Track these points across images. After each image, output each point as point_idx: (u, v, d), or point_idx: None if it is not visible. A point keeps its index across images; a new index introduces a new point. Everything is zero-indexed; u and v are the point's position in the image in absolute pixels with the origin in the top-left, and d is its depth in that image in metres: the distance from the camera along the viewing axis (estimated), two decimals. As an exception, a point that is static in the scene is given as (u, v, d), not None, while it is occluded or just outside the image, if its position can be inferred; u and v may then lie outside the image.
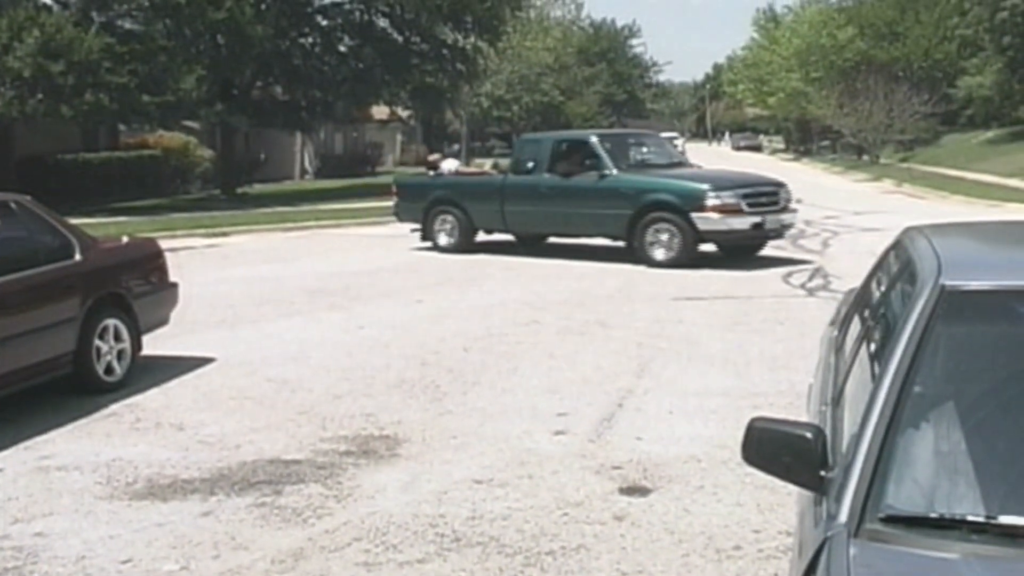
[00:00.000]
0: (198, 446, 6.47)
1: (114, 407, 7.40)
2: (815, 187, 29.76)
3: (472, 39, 36.76)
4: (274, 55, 32.38)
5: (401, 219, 17.85)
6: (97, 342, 7.76)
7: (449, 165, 20.78)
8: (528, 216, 15.81)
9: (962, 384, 2.69)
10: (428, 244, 16.93)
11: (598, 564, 4.57)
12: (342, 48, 36.38)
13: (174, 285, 8.99)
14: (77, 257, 7.85)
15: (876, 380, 2.62)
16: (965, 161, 40.70)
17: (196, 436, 6.69)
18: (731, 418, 6.54)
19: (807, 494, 2.68)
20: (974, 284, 2.85)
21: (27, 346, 7.08)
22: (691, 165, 16.95)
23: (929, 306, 2.72)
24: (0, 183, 16.93)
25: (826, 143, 64.02)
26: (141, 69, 26.11)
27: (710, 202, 13.93)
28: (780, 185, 15.18)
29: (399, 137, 60.06)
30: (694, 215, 13.93)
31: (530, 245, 16.50)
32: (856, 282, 4.96)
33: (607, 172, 14.84)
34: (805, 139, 70.44)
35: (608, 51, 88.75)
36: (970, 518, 2.25)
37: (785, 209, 14.79)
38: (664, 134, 63.70)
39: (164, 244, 9.99)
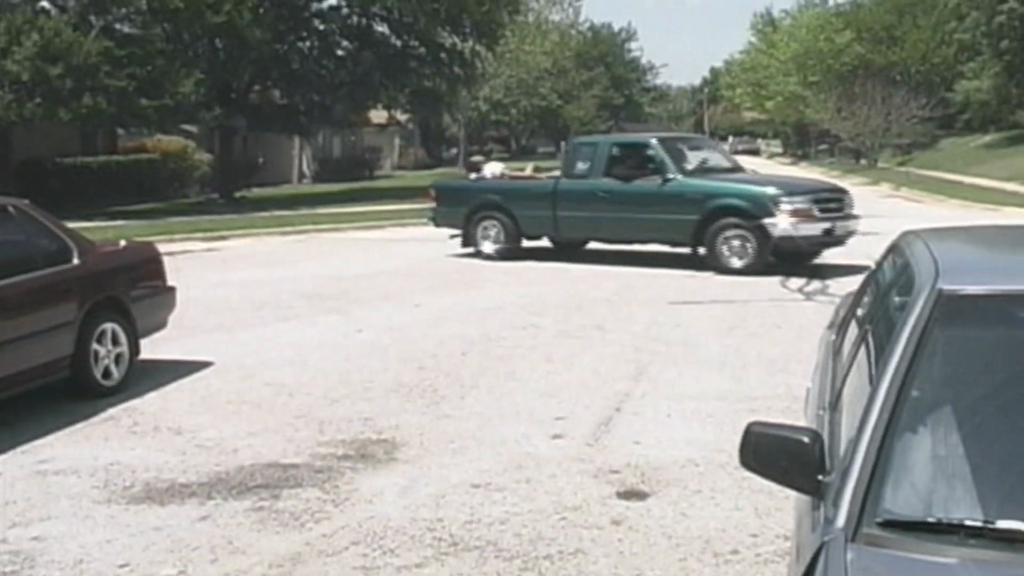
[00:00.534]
0: (196, 450, 6.46)
1: (112, 411, 7.40)
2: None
3: (470, 43, 36.79)
4: (272, 59, 32.40)
5: (438, 224, 17.05)
6: (95, 346, 7.75)
7: (493, 169, 19.68)
8: (583, 222, 15.22)
9: (959, 388, 2.69)
10: (431, 246, 16.91)
11: (595, 568, 4.57)
12: (340, 52, 36.42)
13: (172, 289, 8.98)
14: (75, 261, 7.84)
15: (874, 384, 2.62)
16: (963, 165, 40.78)
17: (194, 440, 6.68)
18: (728, 422, 6.54)
19: (805, 498, 2.68)
20: (971, 288, 2.85)
21: (25, 350, 7.07)
22: (746, 170, 16.63)
23: (926, 310, 2.73)
24: (-2, 187, 16.92)
25: (824, 147, 64.14)
26: (139, 73, 26.13)
27: (784, 207, 13.57)
28: (844, 191, 15.00)
29: (397, 141, 60.11)
30: (767, 221, 13.54)
31: (569, 251, 15.99)
32: (854, 286, 4.96)
33: (670, 176, 14.39)
34: (803, 143, 70.57)
35: (606, 55, 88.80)
36: (967, 522, 2.24)
37: (849, 215, 14.38)
38: (662, 138, 63.60)
39: (162, 248, 10.00)
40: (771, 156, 76.19)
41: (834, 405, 3.30)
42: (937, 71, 56.05)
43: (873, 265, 4.40)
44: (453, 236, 16.57)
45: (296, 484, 5.77)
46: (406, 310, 11.58)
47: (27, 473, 6.07)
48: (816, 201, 13.94)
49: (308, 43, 35.78)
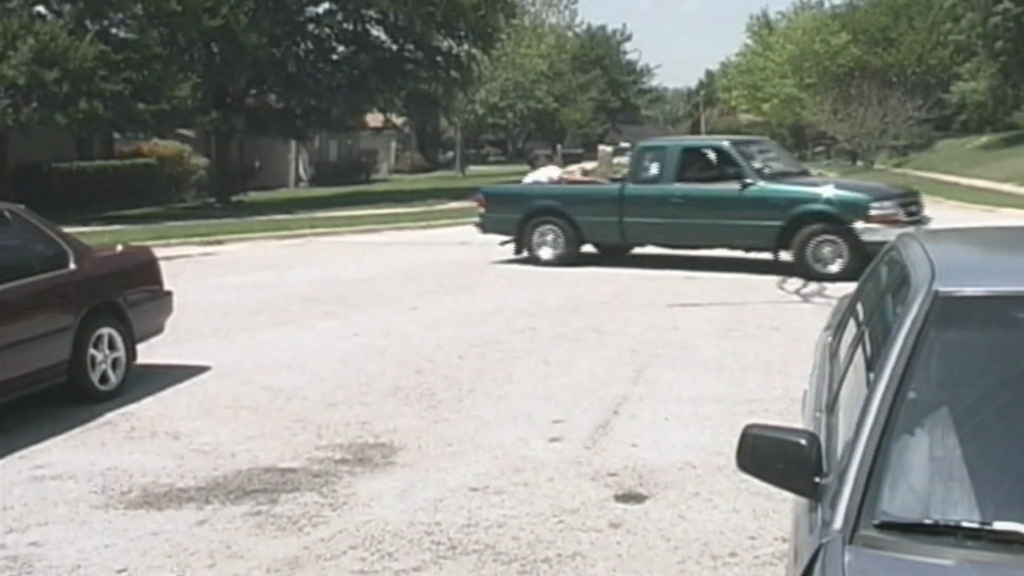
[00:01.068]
0: (193, 455, 6.46)
1: (109, 416, 7.39)
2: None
3: (466, 46, 36.81)
4: (268, 63, 32.40)
5: (486, 231, 16.43)
6: (92, 351, 7.74)
7: (550, 172, 18.51)
8: (653, 227, 14.72)
9: (956, 390, 2.70)
10: (428, 250, 16.91)
11: (594, 571, 4.57)
12: (336, 56, 36.43)
13: (169, 293, 8.98)
14: (71, 266, 7.84)
15: (870, 386, 2.62)
16: (959, 166, 40.81)
17: (191, 445, 6.67)
18: (726, 424, 6.54)
19: (802, 500, 2.69)
20: (968, 290, 2.86)
21: (21, 355, 7.06)
22: (812, 173, 16.28)
23: (923, 312, 2.73)
24: (-6, 192, 16.91)
25: (820, 149, 64.14)
26: (136, 77, 26.12)
27: (874, 212, 13.30)
28: (918, 194, 14.92)
29: (393, 144, 60.18)
30: (858, 226, 13.22)
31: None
32: (850, 288, 4.97)
33: (749, 181, 14.03)
34: (799, 145, 70.53)
35: (603, 57, 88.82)
36: (965, 524, 2.25)
37: (924, 218, 14.14)
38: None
39: (159, 252, 9.99)
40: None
41: (831, 407, 3.30)
42: (933, 72, 56.13)
43: (870, 267, 4.40)
44: (504, 243, 16.06)
45: (294, 488, 5.77)
46: (403, 314, 11.58)
47: (24, 478, 6.06)
48: (902, 205, 13.83)
49: (304, 47, 35.79)
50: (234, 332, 10.62)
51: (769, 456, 2.57)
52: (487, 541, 4.92)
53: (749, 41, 73.64)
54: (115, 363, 8.00)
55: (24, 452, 6.55)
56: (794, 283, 13.05)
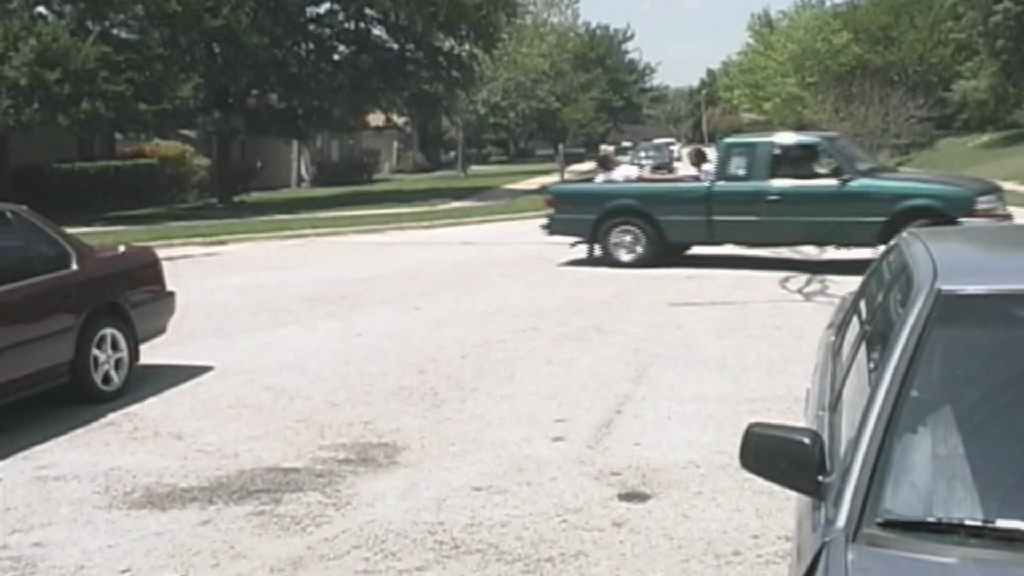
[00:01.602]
0: (196, 455, 6.47)
1: (112, 416, 7.40)
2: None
3: (468, 46, 36.79)
4: (270, 63, 32.39)
5: (553, 232, 15.76)
6: (94, 351, 7.75)
7: (627, 171, 17.73)
8: (746, 226, 14.26)
9: (959, 388, 2.70)
10: (430, 250, 16.90)
11: (597, 570, 4.57)
12: (337, 56, 36.42)
13: (171, 294, 8.99)
14: (74, 267, 7.85)
15: (873, 385, 2.62)
16: (961, 165, 40.73)
17: (194, 445, 6.68)
18: (729, 423, 6.54)
19: (805, 499, 2.69)
20: (970, 288, 2.85)
21: (24, 356, 7.07)
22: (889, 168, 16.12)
23: (925, 310, 2.73)
24: (-3, 193, 16.93)
25: (822, 148, 64.06)
26: (137, 78, 26.13)
27: (980, 206, 13.13)
28: (1001, 188, 14.91)
29: (395, 144, 60.16)
30: (964, 220, 12.81)
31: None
32: (853, 287, 4.97)
33: (847, 176, 13.71)
34: (801, 144, 70.50)
35: (604, 57, 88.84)
36: (968, 522, 2.25)
37: (1008, 213, 13.98)
38: (660, 140, 63.46)
39: (161, 253, 10.01)
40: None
41: (834, 406, 3.30)
42: (934, 71, 56.06)
43: (872, 265, 4.41)
44: (575, 244, 15.64)
45: (297, 488, 5.77)
46: (406, 313, 11.58)
47: (28, 479, 6.07)
48: (1000, 200, 13.78)
49: (305, 47, 35.77)
50: (236, 332, 10.63)
51: (772, 455, 2.57)
52: (490, 540, 4.92)
53: (750, 40, 73.70)
54: (118, 363, 8.01)
55: (27, 452, 6.56)
56: (796, 282, 13.05)
